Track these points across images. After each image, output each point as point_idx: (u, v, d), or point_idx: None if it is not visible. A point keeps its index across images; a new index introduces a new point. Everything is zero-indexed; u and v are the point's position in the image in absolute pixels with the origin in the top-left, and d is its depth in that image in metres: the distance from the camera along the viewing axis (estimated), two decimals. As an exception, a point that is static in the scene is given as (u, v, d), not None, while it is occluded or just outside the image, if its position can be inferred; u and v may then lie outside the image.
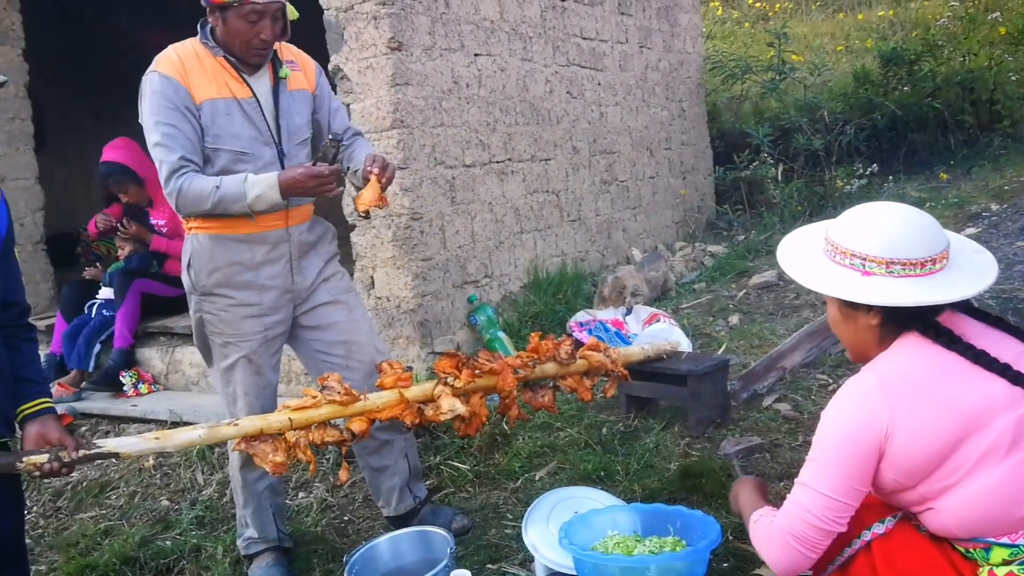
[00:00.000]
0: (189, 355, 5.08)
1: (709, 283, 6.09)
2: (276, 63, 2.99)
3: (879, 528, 1.96)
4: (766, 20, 12.71)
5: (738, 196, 7.99)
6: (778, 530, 1.95)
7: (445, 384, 2.75)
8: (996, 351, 1.86)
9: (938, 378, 1.84)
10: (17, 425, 2.30)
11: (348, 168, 3.10)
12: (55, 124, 8.08)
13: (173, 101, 2.81)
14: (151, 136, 2.83)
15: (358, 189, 3.02)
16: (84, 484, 4.14)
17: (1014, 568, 1.80)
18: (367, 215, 2.86)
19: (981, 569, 1.86)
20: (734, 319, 5.19)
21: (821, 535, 1.90)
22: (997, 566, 1.82)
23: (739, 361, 4.46)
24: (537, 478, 3.62)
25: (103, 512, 3.89)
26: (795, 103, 8.52)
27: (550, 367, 3.01)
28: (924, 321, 1.89)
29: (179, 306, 5.42)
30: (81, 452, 2.26)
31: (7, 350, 2.27)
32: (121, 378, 5.02)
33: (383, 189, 2.83)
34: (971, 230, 5.80)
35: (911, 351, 1.89)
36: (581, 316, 5.08)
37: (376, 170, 2.83)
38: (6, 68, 5.73)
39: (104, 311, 5.32)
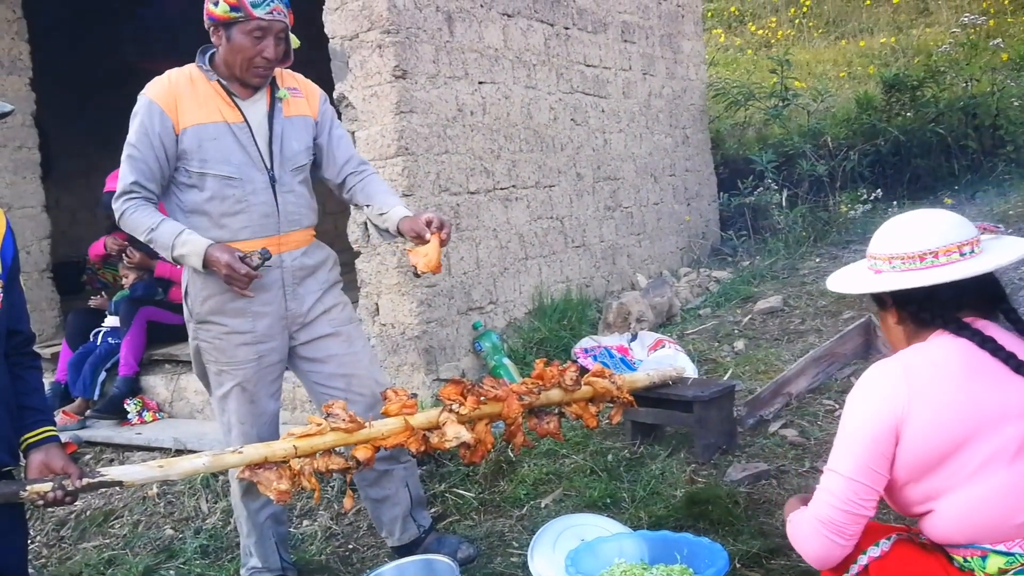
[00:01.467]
0: (194, 383, 5.07)
1: (714, 309, 6.08)
2: (274, 87, 3.00)
3: (875, 551, 1.94)
4: (768, 47, 12.77)
5: (742, 222, 7.99)
6: (808, 519, 1.96)
7: (450, 411, 2.74)
8: None
9: (961, 373, 1.87)
10: (21, 454, 2.29)
11: (365, 206, 3.09)
12: (62, 153, 8.14)
13: (148, 128, 2.86)
14: (123, 152, 2.91)
15: (379, 229, 3.06)
16: (88, 513, 4.13)
17: None
18: (419, 275, 2.87)
19: None
20: (739, 344, 5.18)
21: (847, 519, 1.89)
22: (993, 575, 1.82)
23: (745, 387, 4.44)
24: (543, 505, 3.59)
25: (107, 541, 3.88)
26: (798, 129, 8.54)
27: (555, 394, 3.00)
28: (944, 319, 1.94)
29: (184, 334, 5.40)
30: (85, 481, 2.25)
31: (11, 378, 2.27)
32: (126, 406, 5.02)
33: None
34: (976, 255, 5.77)
35: (940, 345, 1.92)
36: (586, 342, 5.06)
37: (436, 231, 2.84)
38: (13, 97, 5.77)
39: (109, 339, 5.32)
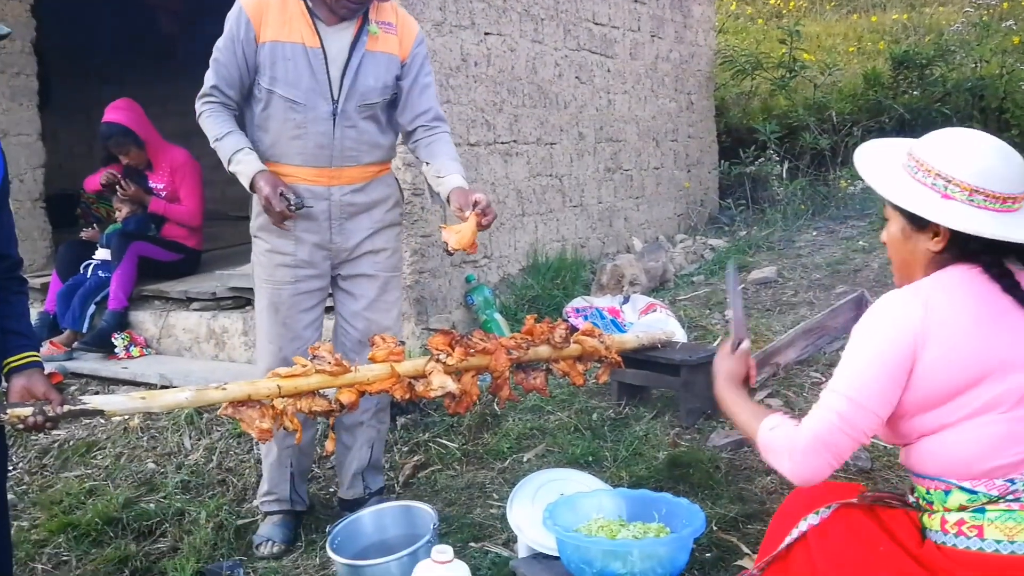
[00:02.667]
0: (183, 320, 5.06)
1: (708, 276, 6.08)
2: (365, 19, 2.94)
3: (814, 519, 1.93)
4: (779, 17, 12.64)
5: (741, 192, 7.96)
6: (807, 436, 1.85)
7: (437, 361, 2.73)
8: None
9: (981, 312, 1.80)
10: (2, 377, 2.28)
11: (425, 163, 3.07)
12: (61, 85, 8.05)
13: (234, 35, 2.89)
14: (212, 55, 2.95)
15: (431, 191, 3.04)
16: (71, 443, 4.13)
17: (966, 516, 1.78)
18: (451, 253, 2.84)
19: (931, 516, 1.84)
20: (730, 313, 5.17)
21: (849, 442, 1.83)
22: (952, 511, 1.81)
23: (733, 355, 4.44)
24: (525, 460, 3.61)
25: (88, 472, 3.88)
26: (804, 102, 8.48)
27: (544, 350, 2.99)
28: (992, 257, 1.83)
29: (176, 271, 5.43)
30: (66, 407, 2.24)
31: None
32: (113, 340, 5.00)
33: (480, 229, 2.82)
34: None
35: (961, 280, 1.84)
36: (578, 302, 5.06)
37: (479, 212, 2.79)
38: (13, 23, 5.69)
39: (100, 272, 5.30)
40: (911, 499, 1.95)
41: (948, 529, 1.79)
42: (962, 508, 1.78)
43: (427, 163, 3.08)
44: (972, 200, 1.81)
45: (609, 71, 6.42)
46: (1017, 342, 1.80)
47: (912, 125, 8.28)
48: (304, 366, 2.58)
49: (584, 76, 6.10)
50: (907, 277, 1.95)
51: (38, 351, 2.36)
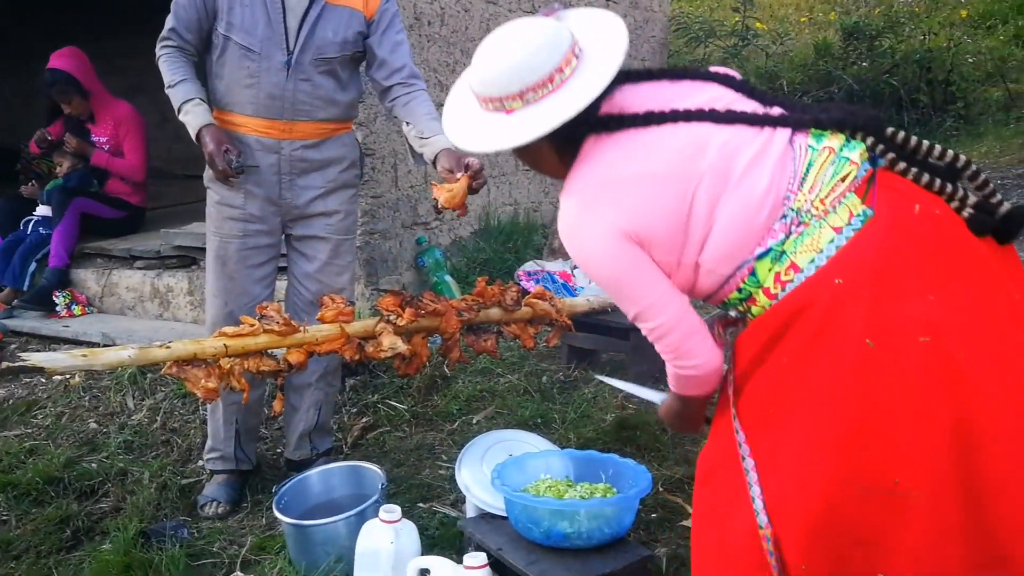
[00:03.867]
0: (126, 279, 4.96)
1: (659, 242, 6.10)
2: None
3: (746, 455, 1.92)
4: (734, -14, 12.67)
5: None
6: (672, 368, 1.91)
7: (387, 322, 2.71)
8: (683, 103, 1.84)
9: (634, 160, 1.82)
10: None
11: (406, 123, 3.00)
12: (0, 38, 7.79)
13: None
14: None
15: (413, 152, 2.99)
16: (11, 402, 4.04)
17: (776, 269, 1.80)
18: (440, 212, 2.75)
19: (756, 304, 1.84)
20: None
21: (692, 327, 1.85)
22: (766, 281, 1.81)
23: (682, 319, 4.48)
24: (474, 421, 3.61)
25: (29, 431, 3.80)
26: (756, 70, 8.54)
27: (495, 312, 2.98)
28: (588, 124, 1.84)
29: (118, 227, 5.31)
30: (4, 364, 2.21)
31: None
32: (54, 298, 4.89)
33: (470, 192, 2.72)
34: (917, 207, 5.88)
35: (597, 154, 1.86)
36: (530, 266, 5.06)
37: (471, 175, 2.70)
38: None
39: (41, 229, 5.17)
40: (731, 319, 1.98)
41: (775, 292, 1.80)
42: (771, 270, 1.80)
43: (407, 123, 3.01)
44: (528, 100, 1.81)
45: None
46: (681, 145, 1.80)
47: (860, 96, 8.38)
48: (252, 325, 2.54)
49: (538, 38, 6.05)
50: (556, 176, 1.98)
51: None
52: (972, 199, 1.83)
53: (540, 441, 2.92)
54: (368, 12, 2.96)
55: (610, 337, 3.84)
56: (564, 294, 4.66)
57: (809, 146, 1.83)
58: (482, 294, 2.99)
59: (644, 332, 1.89)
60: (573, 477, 2.59)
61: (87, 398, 4.01)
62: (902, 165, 1.84)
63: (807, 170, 1.80)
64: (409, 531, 2.42)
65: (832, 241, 1.75)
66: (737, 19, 8.68)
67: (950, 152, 1.88)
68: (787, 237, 1.78)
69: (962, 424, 1.65)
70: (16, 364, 2.22)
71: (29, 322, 4.81)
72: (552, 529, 2.30)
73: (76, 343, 4.50)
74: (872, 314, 1.69)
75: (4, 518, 3.15)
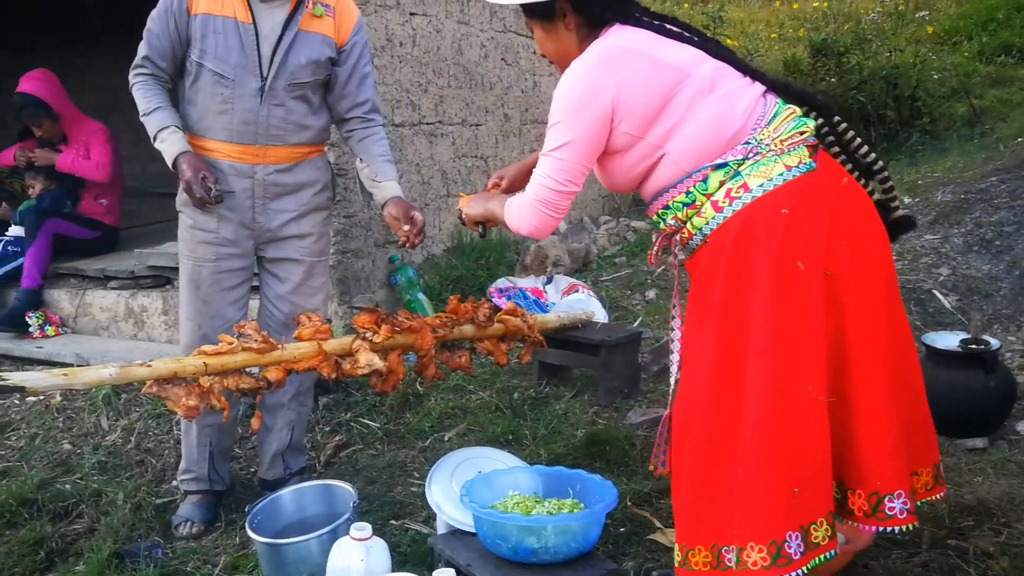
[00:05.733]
0: (100, 299, 4.98)
1: (630, 258, 6.18)
2: (302, 0, 2.93)
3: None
4: (705, 2, 12.81)
5: (665, 174, 8.07)
6: (528, 200, 2.31)
7: (364, 339, 2.75)
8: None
9: (643, 43, 2.17)
10: None
11: (359, 159, 3.13)
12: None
13: (168, 6, 2.90)
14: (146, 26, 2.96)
15: (363, 189, 3.19)
16: (-17, 424, 4.05)
17: (728, 184, 2.12)
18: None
19: (701, 214, 2.15)
20: (651, 294, 5.28)
21: (560, 196, 2.26)
22: (715, 192, 2.13)
23: (652, 335, 4.55)
24: (446, 439, 3.65)
25: (2, 453, 3.80)
26: (726, 86, 8.63)
27: (468, 329, 3.03)
28: (623, 12, 2.22)
29: (92, 248, 5.32)
30: None
31: None
32: (27, 319, 4.90)
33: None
34: (883, 221, 5.96)
35: (621, 33, 2.20)
36: (502, 283, 5.11)
37: (414, 231, 2.97)
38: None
39: (10, 247, 5.17)
40: (669, 227, 2.25)
41: (722, 206, 2.12)
42: (722, 184, 2.13)
43: (360, 159, 3.11)
44: None
45: (534, 53, 6.45)
46: (683, 52, 2.18)
47: (833, 108, 8.49)
48: (231, 344, 2.57)
49: (510, 58, 6.13)
50: (563, 52, 2.32)
51: None
52: (876, 196, 2.31)
53: (509, 458, 2.97)
54: (339, 40, 3.02)
55: (580, 353, 3.90)
56: (536, 310, 4.71)
57: (777, 102, 2.20)
58: (455, 311, 3.04)
59: (543, 164, 2.25)
60: (541, 493, 2.64)
61: (61, 419, 4.02)
62: (836, 149, 2.30)
63: (773, 116, 2.16)
64: (380, 549, 2.45)
65: (781, 175, 2.10)
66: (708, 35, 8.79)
67: (872, 154, 2.33)
68: (744, 159, 2.12)
69: (838, 344, 2.09)
70: None
71: (2, 343, 4.82)
72: (520, 545, 2.35)
73: (50, 364, 4.51)
74: (805, 243, 2.06)
75: (-23, 541, 3.16)
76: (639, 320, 4.81)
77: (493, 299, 4.85)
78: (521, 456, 3.14)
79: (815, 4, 11.83)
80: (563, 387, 4.01)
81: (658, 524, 2.86)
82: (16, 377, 2.30)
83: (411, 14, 5.01)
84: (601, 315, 4.56)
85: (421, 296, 4.81)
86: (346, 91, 3.08)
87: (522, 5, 2.31)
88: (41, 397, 4.13)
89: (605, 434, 3.46)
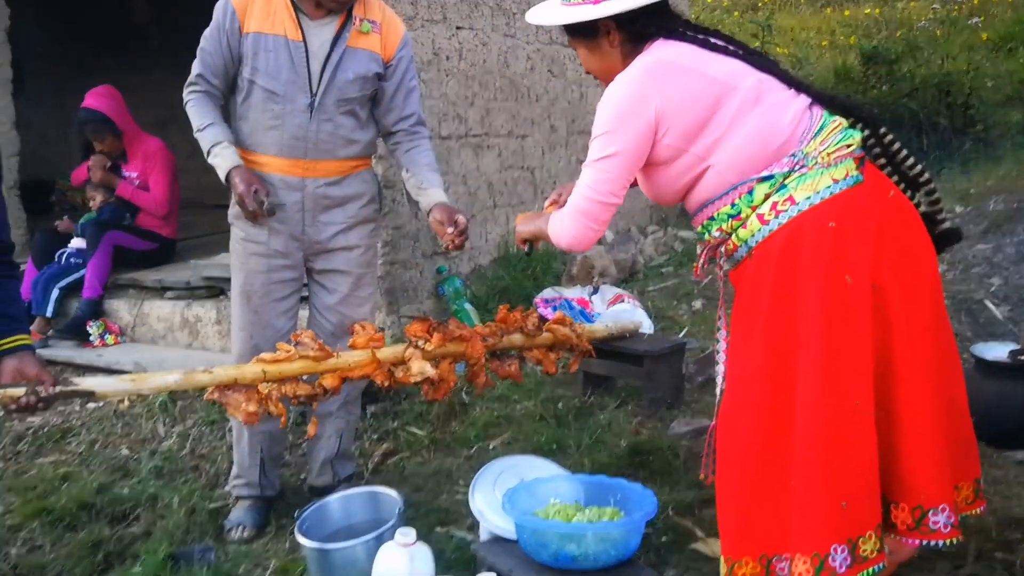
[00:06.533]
0: (157, 309, 5.12)
1: (677, 268, 6.18)
2: (349, 16, 3.01)
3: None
4: (755, 10, 12.76)
5: (713, 184, 8.05)
6: (568, 211, 2.36)
7: (416, 347, 2.80)
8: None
9: (687, 57, 2.20)
10: None
11: (405, 170, 3.20)
12: (35, 71, 8.03)
13: (220, 24, 2.98)
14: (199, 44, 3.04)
15: (410, 198, 3.25)
16: (45, 429, 4.18)
17: (774, 198, 2.12)
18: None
19: (746, 226, 2.17)
20: (697, 304, 5.29)
21: (601, 208, 2.31)
22: (761, 205, 2.15)
23: (698, 345, 4.56)
24: (491, 447, 3.70)
25: (63, 458, 3.93)
26: (775, 95, 8.59)
27: (517, 338, 3.07)
28: (667, 28, 2.25)
29: (150, 260, 5.47)
30: (58, 388, 2.28)
31: None
32: (88, 328, 5.05)
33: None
34: (934, 231, 5.90)
35: (665, 48, 2.23)
36: (548, 293, 5.15)
37: (457, 233, 3.00)
38: (-13, 11, 5.69)
39: (72, 259, 5.33)
40: (714, 239, 2.28)
41: (768, 218, 2.13)
42: (767, 196, 2.13)
43: (406, 170, 3.19)
44: None
45: (580, 64, 6.47)
46: (724, 64, 2.20)
47: (880, 119, 8.42)
48: (288, 351, 2.65)
49: (556, 70, 6.18)
50: (606, 67, 2.36)
51: (28, 335, 2.39)
52: (922, 208, 2.32)
53: (551, 467, 3.00)
54: (386, 55, 3.10)
55: (625, 364, 3.92)
56: (582, 321, 4.74)
57: (823, 114, 2.21)
58: (504, 320, 3.08)
59: (586, 175, 2.30)
60: (583, 501, 2.68)
61: (119, 425, 4.15)
62: (882, 161, 2.31)
63: (820, 128, 2.17)
64: (424, 554, 2.50)
65: (828, 188, 2.10)
66: (757, 44, 8.75)
67: (919, 166, 2.32)
68: (790, 172, 2.12)
69: (884, 358, 2.09)
70: (69, 388, 2.32)
71: (64, 351, 4.97)
72: (560, 551, 2.38)
73: (109, 372, 4.64)
74: (852, 256, 2.06)
75: (38, 543, 3.26)
76: (685, 331, 4.82)
77: (539, 309, 4.89)
78: (565, 465, 3.17)
79: (866, 11, 11.72)
80: (607, 397, 4.04)
81: (700, 534, 2.87)
82: (86, 382, 2.40)
83: (457, 28, 5.09)
84: (647, 326, 4.58)
85: (468, 306, 4.86)
86: (392, 105, 3.16)
87: (565, 25, 2.35)
88: (101, 404, 4.26)
89: (649, 444, 3.48)
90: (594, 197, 2.29)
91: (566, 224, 2.37)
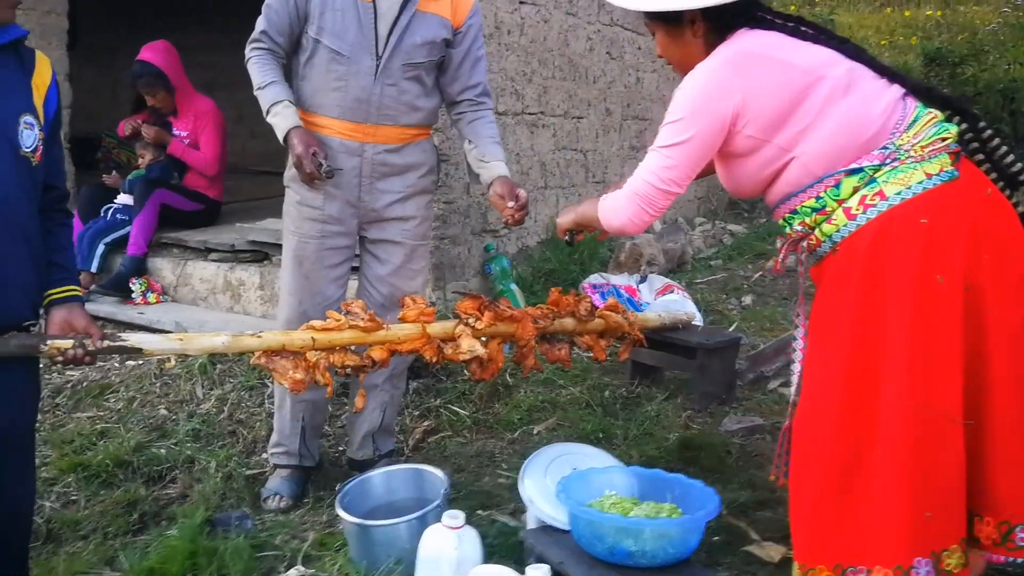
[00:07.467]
0: (200, 270, 5.07)
1: (726, 261, 6.07)
2: None
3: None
4: (813, 5, 12.53)
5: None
6: (626, 192, 2.27)
7: (466, 324, 2.72)
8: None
9: (773, 47, 2.12)
10: (42, 310, 2.27)
11: (467, 141, 3.10)
12: (88, 25, 8.01)
13: None
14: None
15: (470, 170, 3.14)
16: (84, 384, 4.15)
17: (863, 191, 2.04)
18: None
19: (831, 220, 2.07)
20: (747, 299, 5.18)
21: (660, 195, 2.22)
22: (848, 199, 2.05)
23: (748, 342, 4.44)
24: (535, 432, 3.62)
25: (101, 414, 3.90)
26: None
27: (568, 322, 2.98)
28: (746, 15, 2.17)
29: (195, 220, 5.43)
30: (106, 343, 2.23)
31: (43, 234, 2.22)
32: (131, 285, 5.01)
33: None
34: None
35: (747, 37, 2.15)
36: (595, 279, 5.05)
37: (517, 207, 2.91)
38: (45, -40, 5.64)
39: (118, 215, 5.30)
40: (796, 233, 2.18)
41: (855, 213, 2.03)
42: (856, 190, 2.04)
43: (469, 141, 3.08)
44: None
45: (640, 48, 6.36)
46: (814, 53, 2.11)
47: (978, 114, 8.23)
48: (338, 320, 2.57)
49: (615, 52, 6.05)
50: (688, 57, 2.24)
51: (79, 285, 2.34)
52: (1022, 208, 2.17)
53: (604, 456, 2.91)
54: (456, 22, 3.00)
55: (675, 355, 3.82)
56: (629, 308, 4.64)
57: (917, 106, 2.11)
58: (557, 303, 2.99)
59: (650, 160, 2.21)
60: (638, 495, 2.58)
61: (158, 385, 4.10)
62: (979, 157, 2.17)
63: (913, 120, 2.07)
64: (472, 538, 2.43)
65: (921, 183, 2.00)
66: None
67: (1019, 164, 2.18)
68: (881, 165, 2.03)
69: (975, 364, 1.99)
70: (116, 344, 2.26)
71: (106, 307, 4.93)
72: (617, 546, 2.29)
73: (150, 330, 4.60)
74: (945, 256, 1.97)
75: (74, 498, 3.23)
76: (734, 325, 4.71)
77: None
78: (612, 456, 3.07)
79: (928, 12, 11.47)
80: (655, 388, 3.94)
81: (754, 536, 2.77)
82: (135, 339, 2.34)
83: (520, 2, 4.98)
84: (697, 318, 4.47)
85: (513, 287, 4.77)
86: (459, 73, 3.06)
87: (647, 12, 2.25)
88: (141, 362, 4.21)
89: (700, 439, 3.39)
90: (655, 183, 2.21)
91: (621, 204, 2.30)
